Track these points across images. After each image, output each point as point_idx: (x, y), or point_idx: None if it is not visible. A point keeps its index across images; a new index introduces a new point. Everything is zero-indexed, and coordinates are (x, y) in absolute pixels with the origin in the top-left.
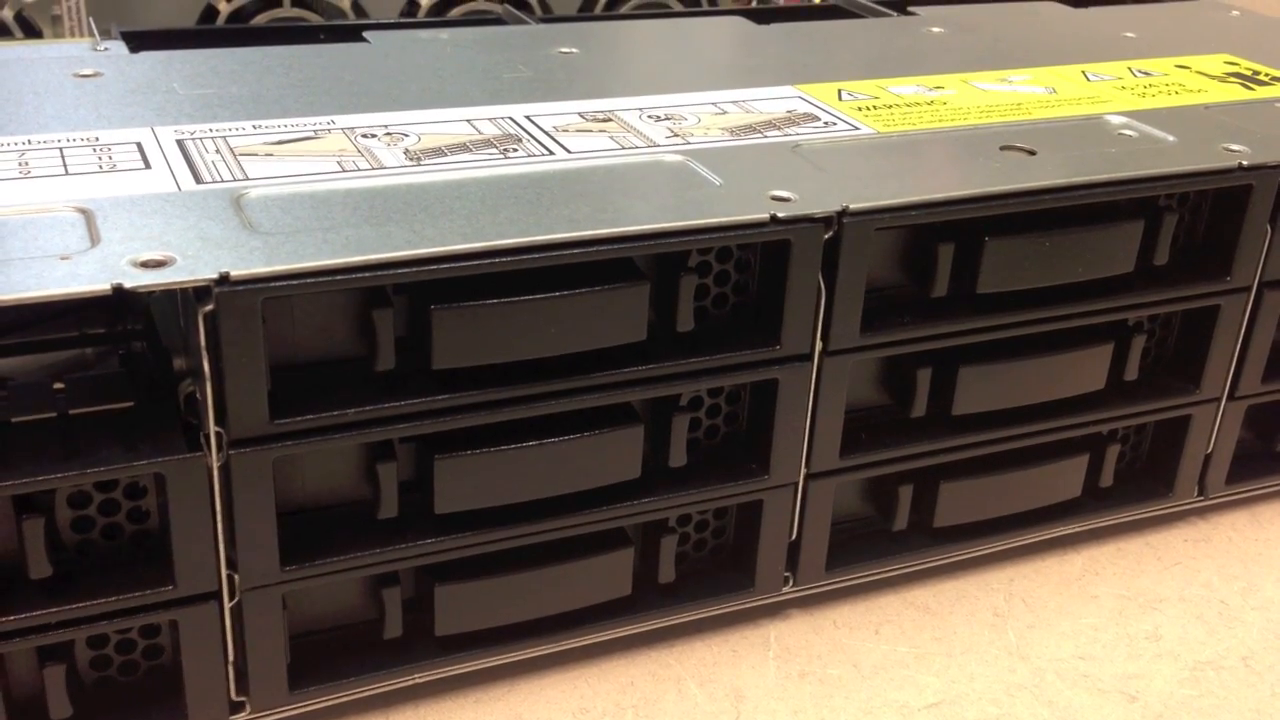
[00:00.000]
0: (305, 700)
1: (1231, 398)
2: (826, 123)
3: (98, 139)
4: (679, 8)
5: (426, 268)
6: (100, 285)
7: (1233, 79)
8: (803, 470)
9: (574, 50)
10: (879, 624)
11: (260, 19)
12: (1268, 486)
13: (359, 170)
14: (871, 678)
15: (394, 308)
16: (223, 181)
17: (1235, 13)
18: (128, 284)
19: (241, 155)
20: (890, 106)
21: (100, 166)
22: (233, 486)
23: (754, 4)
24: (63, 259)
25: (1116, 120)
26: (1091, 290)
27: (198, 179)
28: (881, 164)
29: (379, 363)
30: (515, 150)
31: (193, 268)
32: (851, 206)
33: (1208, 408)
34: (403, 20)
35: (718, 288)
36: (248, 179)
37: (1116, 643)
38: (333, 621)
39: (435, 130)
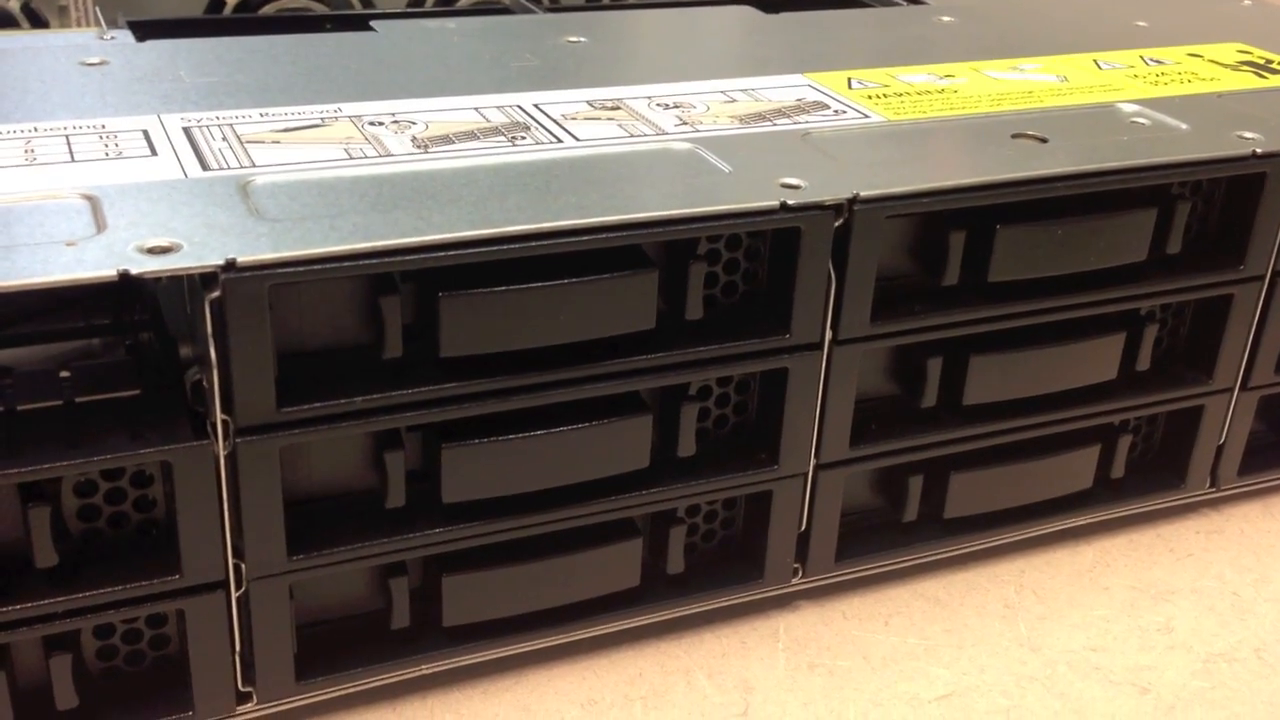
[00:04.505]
0: (312, 691)
1: (1244, 388)
2: (836, 111)
3: (104, 126)
4: None
5: (434, 254)
6: (106, 271)
7: (1245, 67)
8: (812, 460)
9: (582, 39)
10: (889, 615)
11: (267, 9)
12: None
13: (366, 158)
14: (881, 669)
15: (401, 295)
16: (229, 169)
17: (1247, 2)
18: (134, 270)
19: (248, 142)
20: (900, 95)
21: (106, 154)
22: (239, 475)
23: None
24: (69, 245)
25: (1129, 108)
26: (1103, 279)
27: (204, 166)
28: (892, 152)
29: (386, 350)
30: (524, 138)
31: (199, 254)
32: (862, 194)
33: (1220, 398)
34: (409, 9)
35: (727, 276)
36: (254, 166)
37: (1128, 634)
38: (340, 612)
39: (443, 118)
